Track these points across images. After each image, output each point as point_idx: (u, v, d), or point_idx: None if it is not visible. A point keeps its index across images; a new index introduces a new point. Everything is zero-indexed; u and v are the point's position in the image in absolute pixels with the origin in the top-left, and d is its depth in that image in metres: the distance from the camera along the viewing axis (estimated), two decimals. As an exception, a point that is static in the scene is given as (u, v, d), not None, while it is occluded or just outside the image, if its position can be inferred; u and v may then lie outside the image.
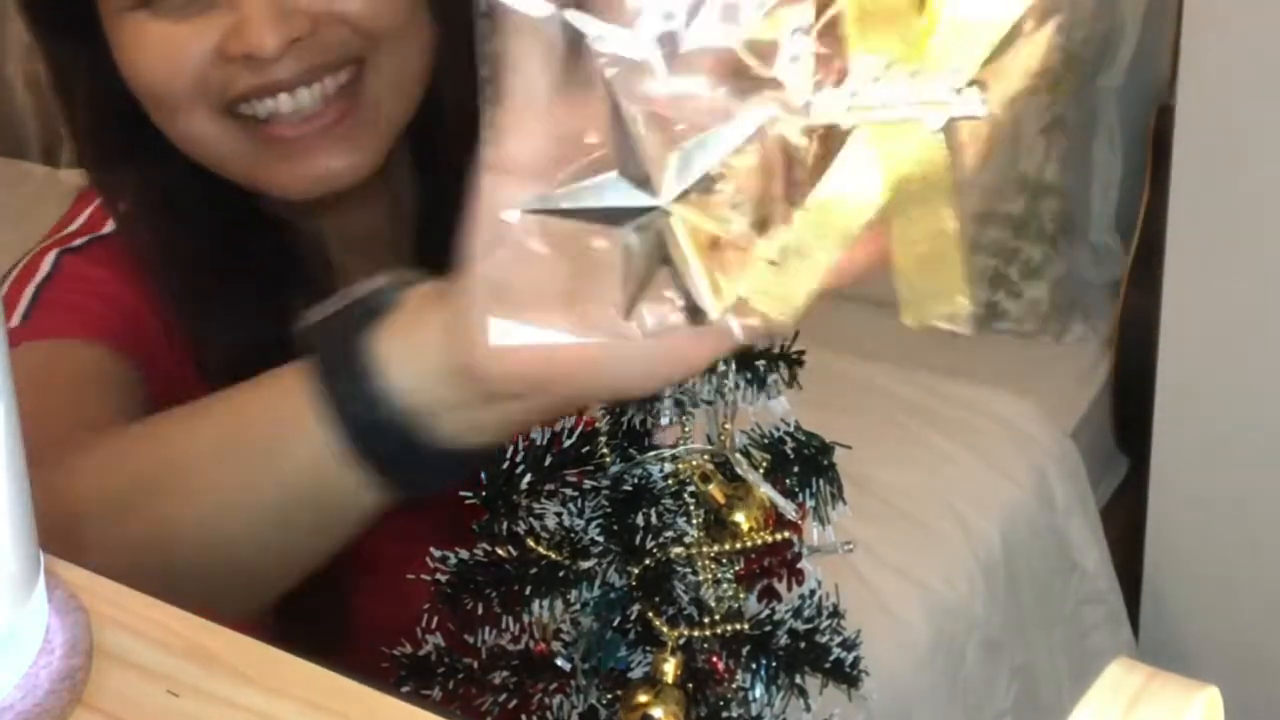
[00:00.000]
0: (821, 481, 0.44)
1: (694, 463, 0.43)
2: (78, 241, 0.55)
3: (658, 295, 0.29)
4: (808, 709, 0.44)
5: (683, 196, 0.28)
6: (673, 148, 0.28)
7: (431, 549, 0.44)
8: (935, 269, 0.30)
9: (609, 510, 0.42)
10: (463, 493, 0.43)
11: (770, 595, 0.44)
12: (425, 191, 0.55)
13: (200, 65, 0.48)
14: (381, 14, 0.49)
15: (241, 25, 0.47)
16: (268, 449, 0.38)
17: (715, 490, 0.43)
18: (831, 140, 0.28)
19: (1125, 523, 1.37)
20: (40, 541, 0.33)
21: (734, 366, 0.42)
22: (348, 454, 0.35)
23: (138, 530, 0.40)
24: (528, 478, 0.42)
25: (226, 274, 0.52)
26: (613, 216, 0.28)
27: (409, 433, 0.35)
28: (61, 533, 0.37)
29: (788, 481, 0.44)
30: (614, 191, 0.28)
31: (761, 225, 0.29)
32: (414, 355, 0.34)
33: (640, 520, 0.41)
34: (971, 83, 0.27)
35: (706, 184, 0.28)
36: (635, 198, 0.28)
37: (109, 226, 0.55)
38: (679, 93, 0.27)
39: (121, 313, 0.52)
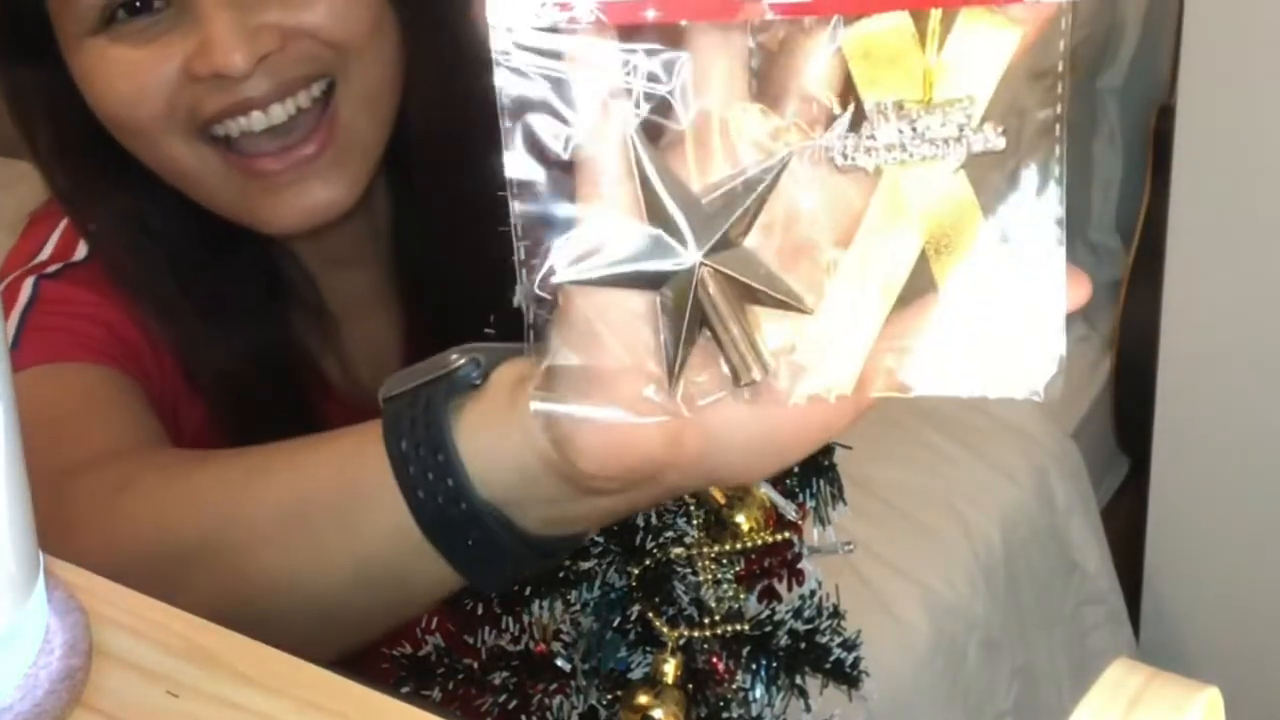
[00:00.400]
0: (822, 482, 0.44)
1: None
2: (52, 268, 0.53)
3: (702, 364, 0.28)
4: (808, 709, 0.44)
5: (711, 252, 0.27)
6: (696, 203, 0.27)
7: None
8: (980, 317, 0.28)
9: (609, 510, 0.42)
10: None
11: (770, 596, 0.44)
12: (401, 208, 0.54)
13: (167, 89, 0.47)
14: (348, 26, 0.48)
15: (207, 45, 0.46)
16: (343, 519, 0.37)
17: (715, 491, 0.43)
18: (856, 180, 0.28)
19: (1126, 523, 1.37)
20: (39, 542, 0.33)
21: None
22: (427, 543, 0.34)
23: (206, 581, 0.39)
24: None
25: (208, 291, 0.52)
26: (648, 280, 0.28)
27: (491, 529, 0.33)
28: (136, 565, 0.37)
29: (788, 482, 0.43)
30: (644, 255, 0.27)
31: (796, 274, 0.28)
32: (500, 450, 0.32)
33: (640, 521, 0.41)
34: (985, 116, 0.27)
35: (734, 237, 0.27)
36: (664, 258, 0.27)
37: (80, 251, 0.54)
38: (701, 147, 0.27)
39: (110, 332, 0.51)
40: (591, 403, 0.29)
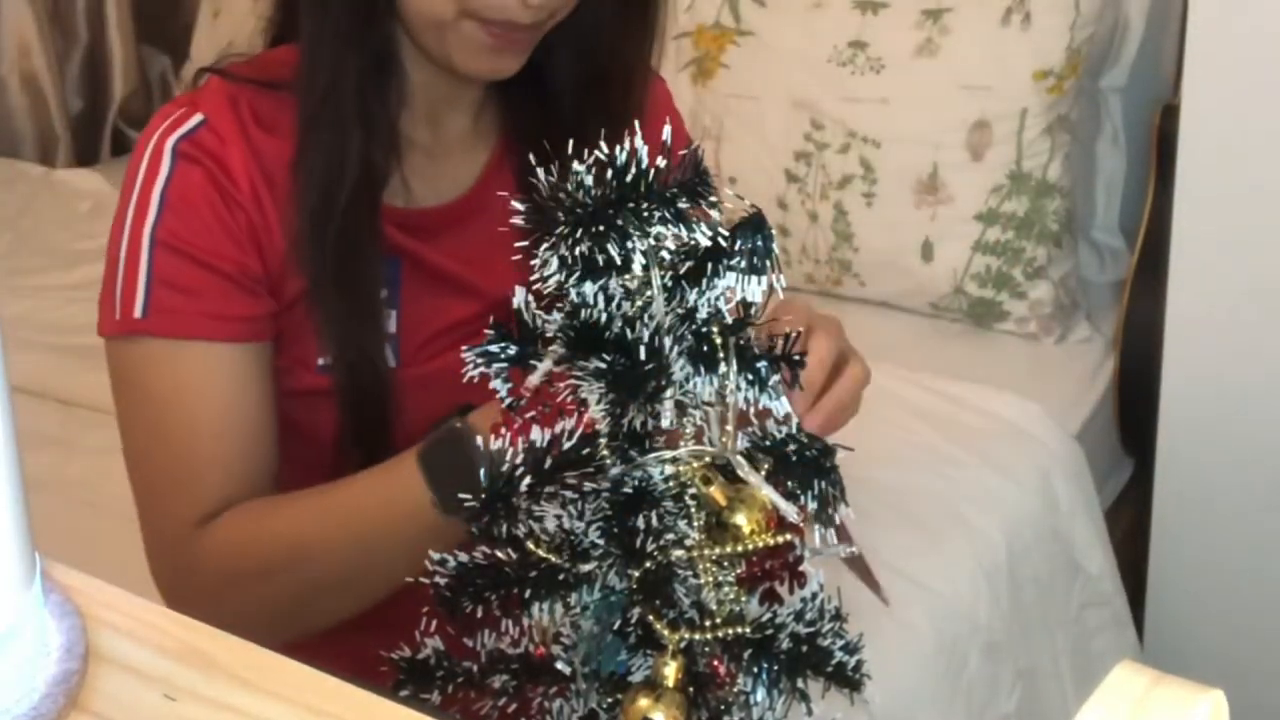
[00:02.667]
0: (823, 483, 0.43)
1: (695, 465, 0.42)
2: (189, 125, 0.68)
3: None
4: (809, 713, 0.44)
5: None
6: None
7: (430, 553, 0.44)
8: None
9: (609, 513, 0.42)
10: (462, 495, 0.43)
11: (772, 598, 0.44)
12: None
13: None
14: None
15: None
16: (392, 530, 0.62)
17: (716, 492, 0.42)
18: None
19: (1130, 525, 1.36)
20: (36, 545, 0.33)
21: (735, 367, 0.42)
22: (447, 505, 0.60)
23: (283, 588, 0.65)
24: (527, 480, 0.42)
25: (358, 106, 0.67)
26: None
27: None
28: (213, 585, 0.66)
29: (789, 484, 0.43)
30: None
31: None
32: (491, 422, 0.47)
33: (641, 523, 0.41)
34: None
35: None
36: None
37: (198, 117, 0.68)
38: None
39: (232, 238, 0.67)
40: None
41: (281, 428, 0.69)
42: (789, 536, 0.43)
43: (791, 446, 0.43)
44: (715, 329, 0.42)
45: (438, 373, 0.69)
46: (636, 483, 0.42)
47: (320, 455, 0.68)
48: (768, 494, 0.42)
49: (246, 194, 0.66)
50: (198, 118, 0.67)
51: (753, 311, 0.42)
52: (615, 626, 0.42)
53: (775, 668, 0.42)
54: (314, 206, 0.66)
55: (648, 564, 0.42)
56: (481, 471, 0.42)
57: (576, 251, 0.40)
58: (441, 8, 0.64)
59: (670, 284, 0.41)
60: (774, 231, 0.42)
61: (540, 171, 0.40)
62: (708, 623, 0.42)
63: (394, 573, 0.57)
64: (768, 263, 0.42)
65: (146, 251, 0.66)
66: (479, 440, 0.57)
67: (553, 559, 0.42)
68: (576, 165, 0.40)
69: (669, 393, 0.41)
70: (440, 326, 0.71)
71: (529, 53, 0.67)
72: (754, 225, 0.42)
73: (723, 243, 0.41)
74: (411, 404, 0.68)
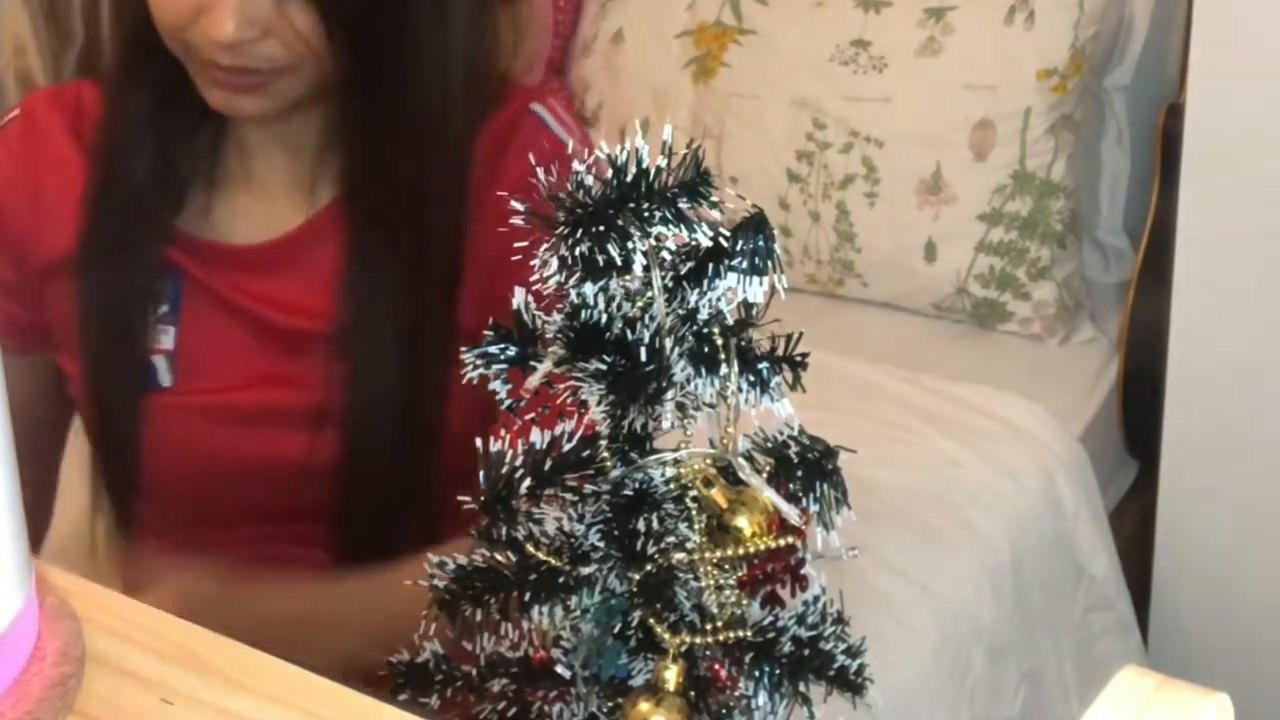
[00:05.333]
0: (826, 486, 0.43)
1: (696, 467, 0.42)
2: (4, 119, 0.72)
3: None
4: (812, 717, 0.43)
5: None
6: None
7: (429, 554, 0.44)
8: None
9: (609, 515, 0.41)
10: (461, 497, 0.43)
11: (774, 601, 0.44)
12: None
13: (180, 14, 0.65)
14: (294, 45, 0.64)
15: (217, 12, 0.63)
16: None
17: (718, 495, 0.42)
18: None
19: (1135, 527, 1.36)
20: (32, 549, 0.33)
21: (736, 369, 0.41)
22: None
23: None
24: (527, 482, 0.41)
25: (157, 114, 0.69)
26: None
27: None
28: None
29: (791, 486, 0.43)
30: None
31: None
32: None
33: (641, 525, 0.41)
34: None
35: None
36: None
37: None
38: None
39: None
40: None
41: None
42: (791, 539, 0.43)
43: (793, 448, 0.43)
44: (716, 330, 0.42)
45: (216, 409, 0.69)
46: (637, 485, 0.41)
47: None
48: (769, 496, 0.42)
49: (19, 197, 0.69)
50: (13, 114, 0.71)
51: (754, 312, 0.42)
52: (616, 630, 0.42)
53: (777, 671, 0.42)
54: (94, 220, 0.68)
55: (648, 567, 0.41)
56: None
57: (576, 252, 0.39)
58: (171, 40, 0.66)
59: (671, 285, 0.41)
60: (775, 232, 0.42)
61: (540, 172, 0.40)
62: (709, 626, 0.42)
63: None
64: (769, 263, 0.41)
65: None
66: None
67: (553, 562, 0.42)
68: (577, 165, 0.40)
69: (670, 394, 0.41)
70: (225, 356, 0.70)
71: (270, 98, 0.65)
72: (755, 225, 0.41)
73: (724, 243, 0.41)
74: (179, 433, 0.69)
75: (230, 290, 0.70)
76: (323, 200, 0.70)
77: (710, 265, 0.41)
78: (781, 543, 0.42)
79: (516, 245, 0.41)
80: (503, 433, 0.42)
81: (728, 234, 0.41)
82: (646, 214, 0.40)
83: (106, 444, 0.70)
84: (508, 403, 0.43)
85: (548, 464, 0.41)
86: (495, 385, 0.43)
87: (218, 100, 0.66)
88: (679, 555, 0.41)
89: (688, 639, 0.41)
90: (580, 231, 0.39)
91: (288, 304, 0.70)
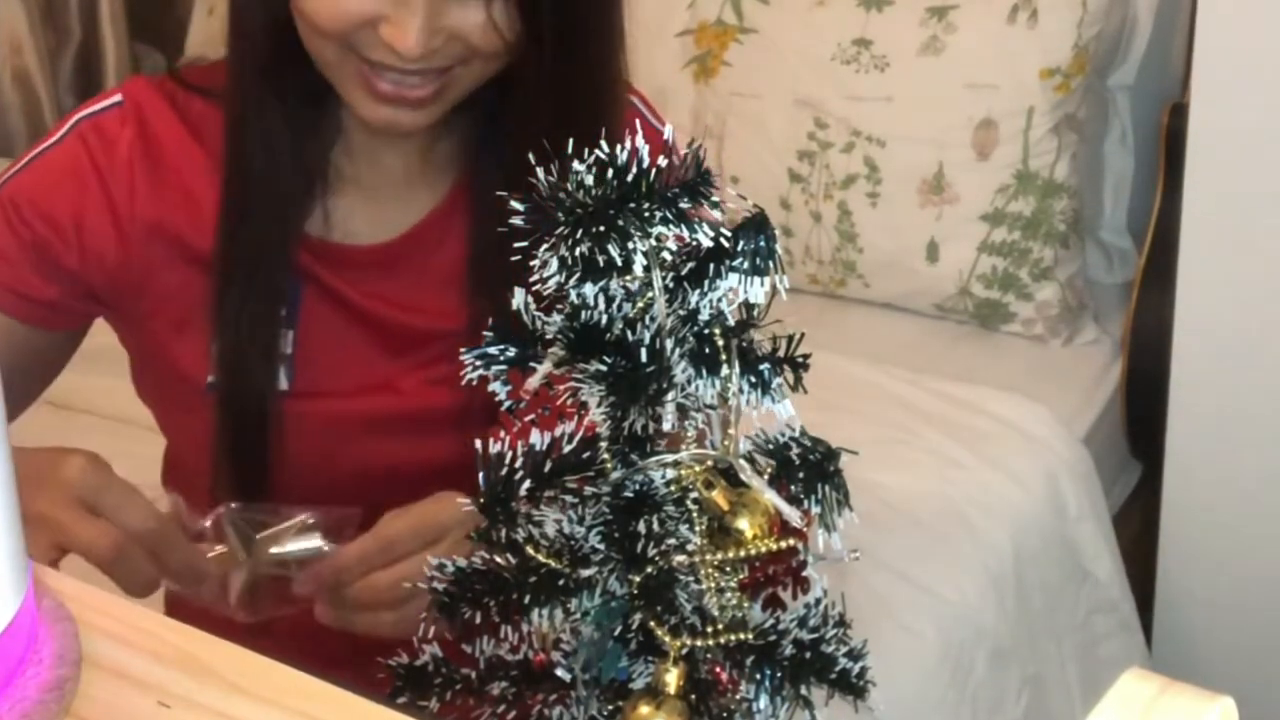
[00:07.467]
0: (827, 487, 0.43)
1: (697, 468, 0.42)
2: (103, 104, 0.69)
3: None
4: (813, 720, 0.43)
5: None
6: None
7: (429, 558, 0.44)
8: None
9: (610, 517, 0.41)
10: (461, 499, 0.43)
11: (775, 604, 0.43)
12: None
13: (356, 18, 0.62)
14: (491, 40, 0.63)
15: (401, 26, 0.61)
16: None
17: (718, 496, 0.42)
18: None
19: (1138, 529, 1.35)
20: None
21: (737, 370, 0.41)
22: None
23: None
24: (527, 484, 0.41)
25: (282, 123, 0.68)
26: None
27: None
28: None
29: (793, 488, 0.43)
30: None
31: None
32: None
33: (642, 527, 0.41)
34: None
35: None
36: None
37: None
38: None
39: (73, 220, 0.67)
40: None
41: (173, 445, 0.72)
42: (792, 541, 0.42)
43: (795, 450, 0.43)
44: (717, 331, 0.41)
45: (335, 417, 0.68)
46: (637, 487, 0.41)
47: (205, 466, 0.68)
48: (771, 498, 0.42)
49: (122, 186, 0.67)
50: (115, 98, 0.68)
51: (755, 313, 0.42)
52: (616, 633, 0.42)
53: (778, 674, 0.42)
54: (231, 225, 0.67)
55: (649, 569, 0.41)
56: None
57: (577, 252, 0.39)
58: (328, 48, 0.63)
59: (672, 285, 0.41)
60: (777, 232, 0.41)
61: (540, 171, 0.40)
62: (710, 629, 0.41)
63: None
64: (770, 264, 0.41)
65: None
66: None
67: (553, 564, 0.41)
68: (577, 165, 0.40)
69: (670, 395, 0.40)
70: (345, 359, 0.69)
71: (435, 109, 0.64)
72: (756, 226, 0.41)
73: (725, 243, 0.41)
74: (297, 440, 0.68)
75: (351, 291, 0.69)
76: (434, 199, 0.70)
77: (711, 266, 0.41)
78: (783, 545, 0.42)
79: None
80: (502, 434, 0.42)
81: (729, 234, 0.41)
82: (647, 214, 0.40)
83: (232, 448, 0.68)
84: (508, 404, 0.43)
85: (548, 465, 0.41)
86: (495, 386, 0.43)
87: (376, 116, 0.64)
88: (680, 557, 0.41)
89: (688, 642, 0.41)
90: (580, 231, 0.39)
91: (409, 304, 0.69)
